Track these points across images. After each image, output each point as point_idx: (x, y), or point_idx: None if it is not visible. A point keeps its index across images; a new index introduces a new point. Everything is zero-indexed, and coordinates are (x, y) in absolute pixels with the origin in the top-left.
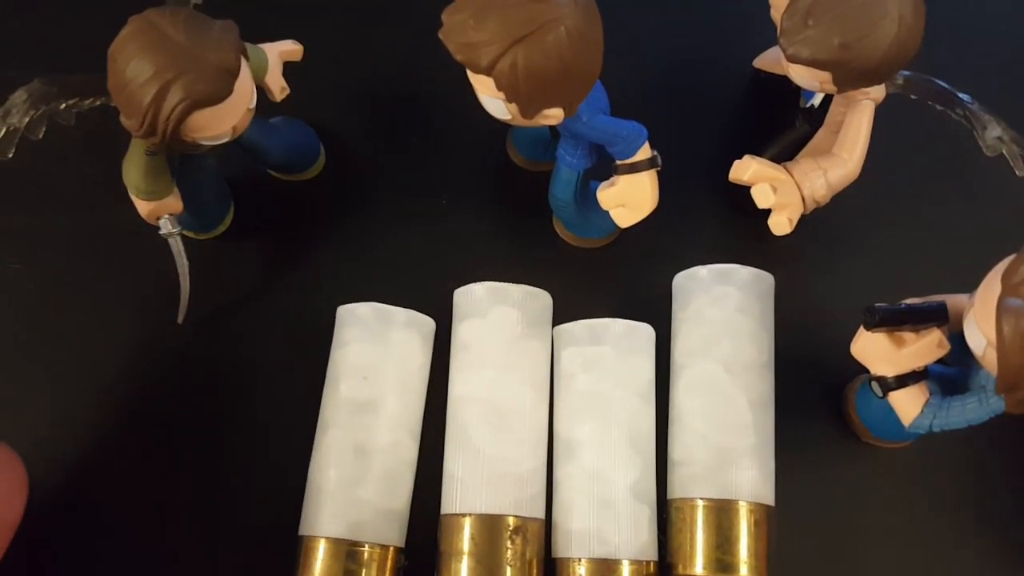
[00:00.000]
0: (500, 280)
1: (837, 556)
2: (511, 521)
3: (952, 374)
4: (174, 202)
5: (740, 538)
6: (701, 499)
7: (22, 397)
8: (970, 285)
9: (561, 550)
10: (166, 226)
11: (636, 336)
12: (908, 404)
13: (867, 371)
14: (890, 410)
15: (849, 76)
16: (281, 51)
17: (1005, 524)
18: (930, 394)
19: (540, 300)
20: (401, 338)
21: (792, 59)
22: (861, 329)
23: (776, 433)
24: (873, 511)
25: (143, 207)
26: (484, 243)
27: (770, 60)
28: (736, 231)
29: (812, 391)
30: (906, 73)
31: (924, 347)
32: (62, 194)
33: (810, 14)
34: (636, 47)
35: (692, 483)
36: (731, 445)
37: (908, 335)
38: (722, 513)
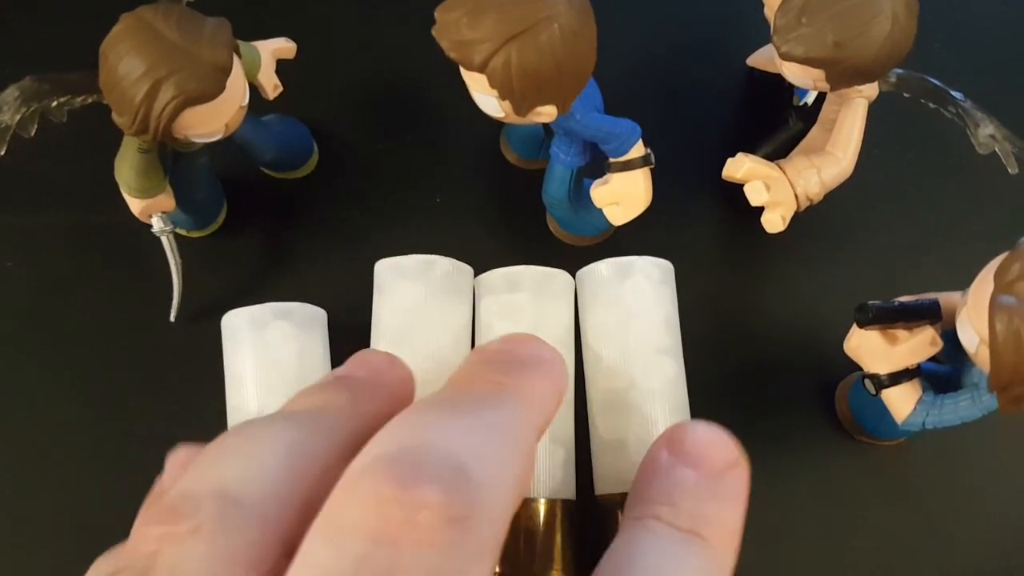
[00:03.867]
0: None
1: (830, 554)
2: None
3: (945, 372)
4: (166, 200)
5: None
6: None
7: (15, 396)
8: (963, 283)
9: None
10: (158, 224)
11: (552, 282)
12: (901, 402)
13: (860, 369)
14: (883, 408)
15: (842, 74)
16: (274, 49)
17: (1000, 523)
18: (923, 392)
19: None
20: (273, 337)
21: (786, 57)
22: (854, 327)
23: (767, 431)
24: (866, 509)
25: (135, 205)
26: (478, 241)
27: (764, 58)
28: (729, 229)
29: (805, 388)
30: (899, 71)
31: (917, 345)
32: (54, 192)
33: (804, 12)
34: (630, 45)
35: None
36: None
37: (901, 333)
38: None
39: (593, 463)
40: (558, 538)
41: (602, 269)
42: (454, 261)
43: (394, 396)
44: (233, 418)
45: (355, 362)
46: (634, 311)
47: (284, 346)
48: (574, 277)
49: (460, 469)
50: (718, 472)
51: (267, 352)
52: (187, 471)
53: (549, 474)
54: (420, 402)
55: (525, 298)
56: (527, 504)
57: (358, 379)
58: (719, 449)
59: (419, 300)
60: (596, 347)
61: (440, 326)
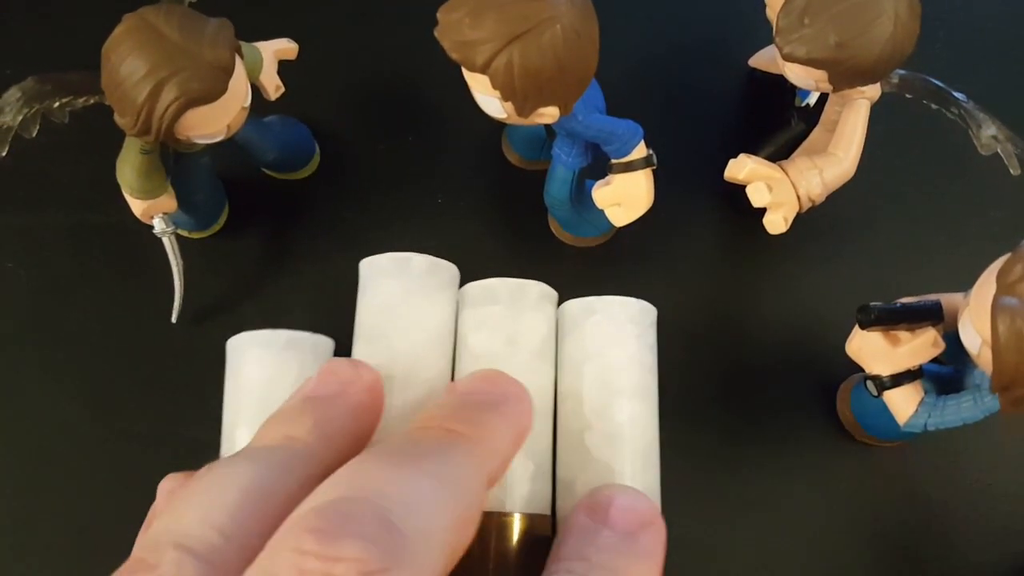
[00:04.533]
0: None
1: (830, 554)
2: None
3: (947, 373)
4: (168, 201)
5: None
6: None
7: (15, 396)
8: (965, 284)
9: None
10: (160, 225)
11: (527, 294)
12: (903, 403)
13: (862, 370)
14: (885, 409)
15: (845, 75)
16: (276, 49)
17: (1000, 523)
18: (925, 393)
19: (446, 271)
20: (277, 366)
21: (788, 58)
22: (856, 328)
23: (768, 431)
24: (867, 510)
25: (137, 206)
26: (479, 242)
27: (766, 59)
28: (731, 230)
29: (806, 390)
30: (901, 72)
31: (919, 346)
32: (55, 193)
33: (806, 13)
34: (632, 46)
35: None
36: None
37: (903, 334)
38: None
39: (555, 503)
40: (532, 554)
41: (569, 307)
42: (432, 258)
43: (361, 408)
44: (227, 441)
45: (323, 376)
46: (591, 351)
47: (288, 376)
48: (574, 278)
49: (386, 522)
50: (633, 532)
51: (269, 381)
52: (159, 516)
53: (524, 488)
54: (368, 452)
55: (500, 311)
56: (497, 519)
57: (323, 398)
58: (636, 511)
59: (395, 298)
60: (560, 386)
61: (416, 324)
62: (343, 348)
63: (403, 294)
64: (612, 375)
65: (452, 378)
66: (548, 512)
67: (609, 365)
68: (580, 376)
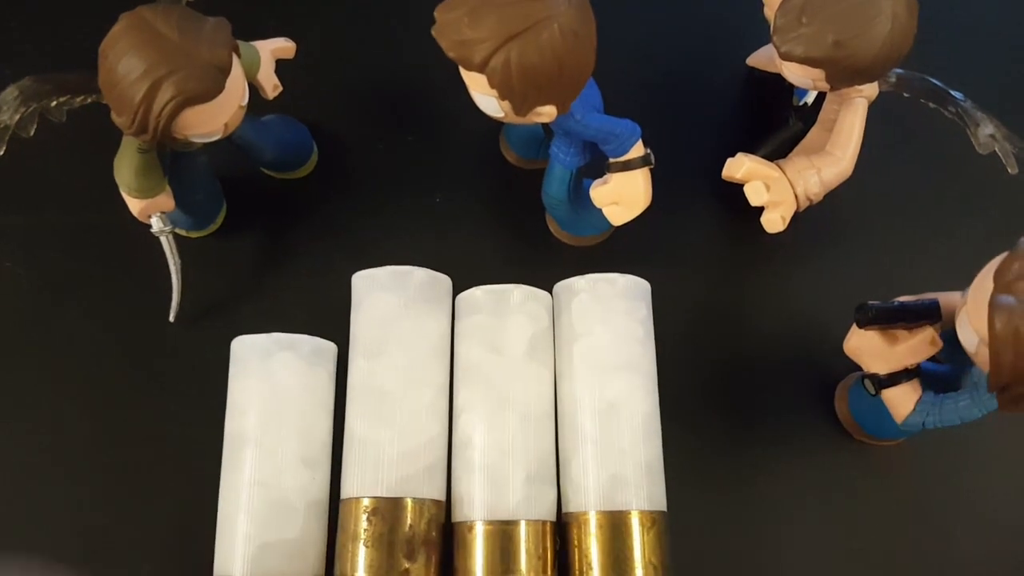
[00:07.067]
0: (494, 279)
1: (830, 554)
2: (410, 503)
3: (945, 372)
4: (166, 200)
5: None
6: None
7: (15, 396)
8: (963, 283)
9: (457, 515)
10: (157, 224)
11: (509, 298)
12: (901, 402)
13: (860, 369)
14: (883, 408)
15: (842, 74)
16: (273, 49)
17: (1000, 523)
18: (923, 392)
19: (440, 283)
20: (279, 366)
21: (786, 57)
22: (854, 327)
23: (767, 431)
24: (865, 508)
25: (135, 205)
26: (478, 241)
27: (764, 58)
28: (729, 229)
29: (804, 389)
30: (899, 71)
31: (917, 345)
32: (53, 192)
33: (804, 12)
34: (630, 45)
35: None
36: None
37: (901, 333)
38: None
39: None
40: (536, 560)
41: (558, 289)
42: (430, 271)
43: None
44: (229, 445)
45: None
46: (579, 331)
47: (290, 378)
48: (573, 277)
49: None
50: None
51: (272, 383)
52: None
53: (520, 493)
54: None
55: (482, 319)
56: (500, 527)
57: None
58: None
59: (395, 311)
60: (557, 368)
61: (417, 337)
62: (342, 348)
63: (402, 307)
64: (600, 352)
65: (450, 391)
66: (552, 516)
67: (597, 342)
68: (571, 357)
